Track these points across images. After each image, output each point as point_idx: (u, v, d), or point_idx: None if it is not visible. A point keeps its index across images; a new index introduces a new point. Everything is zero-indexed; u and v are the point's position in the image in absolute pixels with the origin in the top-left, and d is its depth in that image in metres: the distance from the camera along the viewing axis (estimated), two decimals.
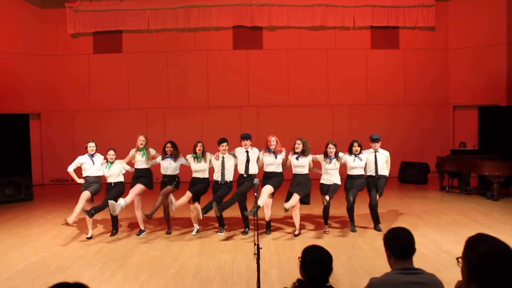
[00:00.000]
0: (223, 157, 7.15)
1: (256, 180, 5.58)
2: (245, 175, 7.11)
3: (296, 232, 7.07)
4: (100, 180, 7.36)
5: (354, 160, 7.13)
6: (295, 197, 6.88)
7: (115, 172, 7.24)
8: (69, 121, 13.19)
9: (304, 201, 7.04)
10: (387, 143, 10.86)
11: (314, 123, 12.86)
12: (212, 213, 7.26)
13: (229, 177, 7.16)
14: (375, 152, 7.27)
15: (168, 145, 7.31)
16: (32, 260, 6.08)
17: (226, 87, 13.14)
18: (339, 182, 7.13)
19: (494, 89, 12.56)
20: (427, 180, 12.14)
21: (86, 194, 7.13)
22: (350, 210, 7.23)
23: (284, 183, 7.22)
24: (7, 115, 11.59)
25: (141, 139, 7.37)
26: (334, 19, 13.01)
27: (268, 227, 7.26)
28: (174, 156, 7.26)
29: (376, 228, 7.26)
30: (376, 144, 7.26)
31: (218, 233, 7.23)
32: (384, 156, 7.29)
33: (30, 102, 12.86)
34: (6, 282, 5.28)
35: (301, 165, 7.04)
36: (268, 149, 7.14)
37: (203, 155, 7.21)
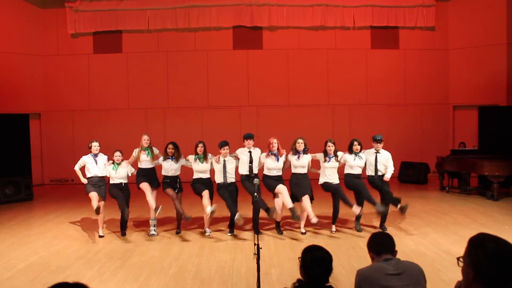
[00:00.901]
0: (224, 160, 7.12)
1: (256, 180, 5.58)
2: (249, 174, 7.06)
3: (303, 230, 7.12)
4: (105, 180, 7.34)
5: (355, 159, 7.13)
6: (307, 201, 6.87)
7: (123, 174, 7.22)
8: (69, 121, 13.19)
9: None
10: (387, 143, 10.80)
11: (314, 123, 12.86)
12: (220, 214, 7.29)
13: (231, 179, 7.13)
14: (376, 152, 7.27)
15: (170, 146, 7.27)
16: (32, 260, 6.08)
17: (226, 87, 13.14)
18: (337, 181, 7.13)
19: (494, 89, 12.56)
20: (427, 180, 12.14)
21: (95, 195, 7.06)
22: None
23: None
24: (7, 115, 11.59)
25: (145, 139, 7.34)
26: (334, 19, 13.01)
27: (279, 226, 7.26)
28: (176, 157, 7.25)
29: (382, 227, 7.29)
30: (378, 144, 7.24)
31: (228, 234, 7.16)
32: (384, 157, 7.26)
33: (30, 102, 12.85)
34: (6, 282, 5.28)
35: (302, 165, 7.03)
36: (270, 152, 7.08)
37: (205, 155, 7.20)
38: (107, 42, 13.13)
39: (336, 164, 7.10)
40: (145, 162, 7.31)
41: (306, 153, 7.05)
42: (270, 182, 7.05)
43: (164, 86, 13.19)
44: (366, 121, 12.93)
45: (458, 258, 2.08)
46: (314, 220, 6.71)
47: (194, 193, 7.26)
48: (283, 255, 6.06)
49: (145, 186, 7.24)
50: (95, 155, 7.25)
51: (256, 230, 6.88)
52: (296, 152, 7.05)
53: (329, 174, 7.07)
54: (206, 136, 10.86)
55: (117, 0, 12.90)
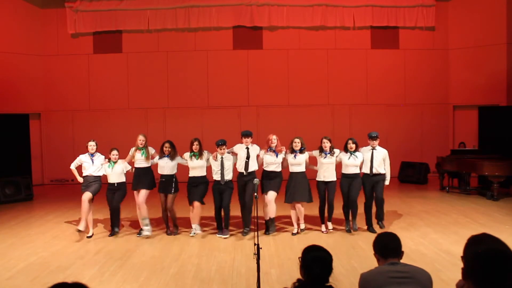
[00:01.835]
0: (221, 157, 7.13)
1: (256, 180, 5.58)
2: (245, 173, 7.09)
3: (294, 231, 7.16)
4: (100, 180, 7.38)
5: (349, 158, 7.14)
6: (301, 208, 7.13)
7: (118, 171, 7.29)
8: (69, 121, 13.19)
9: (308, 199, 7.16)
10: (387, 143, 10.88)
11: (314, 123, 12.85)
12: (211, 213, 7.29)
13: (228, 176, 7.14)
14: (372, 149, 7.28)
15: (166, 144, 7.32)
16: (32, 260, 6.08)
17: (226, 87, 13.14)
18: (334, 178, 7.15)
19: (494, 89, 12.56)
20: (427, 180, 12.14)
21: (87, 196, 7.15)
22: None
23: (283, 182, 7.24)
24: (7, 115, 11.58)
25: (140, 139, 7.40)
26: (334, 19, 13.01)
27: (268, 227, 7.22)
28: (171, 155, 7.28)
29: (380, 225, 7.35)
30: (374, 141, 7.26)
31: (222, 236, 7.10)
32: (381, 154, 7.26)
33: (30, 102, 12.85)
34: (6, 282, 5.29)
35: (298, 163, 7.08)
36: (269, 148, 7.14)
37: (200, 152, 7.21)
38: (107, 42, 13.13)
39: (333, 160, 7.14)
40: (139, 161, 7.35)
41: (303, 152, 7.09)
42: (265, 183, 7.13)
43: (164, 86, 13.19)
44: (366, 121, 12.91)
45: (461, 257, 2.18)
46: (302, 226, 7.25)
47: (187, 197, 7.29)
48: (283, 255, 6.06)
49: (135, 194, 7.33)
50: (92, 155, 7.35)
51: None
52: (293, 151, 7.10)
53: (325, 171, 7.12)
54: (206, 136, 10.87)
55: (117, 0, 12.90)
